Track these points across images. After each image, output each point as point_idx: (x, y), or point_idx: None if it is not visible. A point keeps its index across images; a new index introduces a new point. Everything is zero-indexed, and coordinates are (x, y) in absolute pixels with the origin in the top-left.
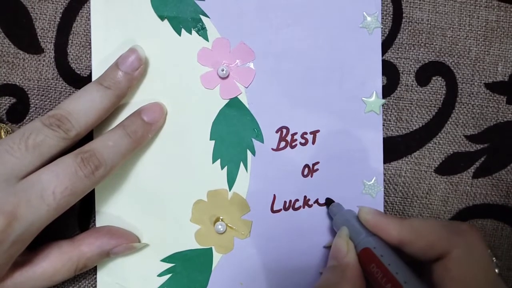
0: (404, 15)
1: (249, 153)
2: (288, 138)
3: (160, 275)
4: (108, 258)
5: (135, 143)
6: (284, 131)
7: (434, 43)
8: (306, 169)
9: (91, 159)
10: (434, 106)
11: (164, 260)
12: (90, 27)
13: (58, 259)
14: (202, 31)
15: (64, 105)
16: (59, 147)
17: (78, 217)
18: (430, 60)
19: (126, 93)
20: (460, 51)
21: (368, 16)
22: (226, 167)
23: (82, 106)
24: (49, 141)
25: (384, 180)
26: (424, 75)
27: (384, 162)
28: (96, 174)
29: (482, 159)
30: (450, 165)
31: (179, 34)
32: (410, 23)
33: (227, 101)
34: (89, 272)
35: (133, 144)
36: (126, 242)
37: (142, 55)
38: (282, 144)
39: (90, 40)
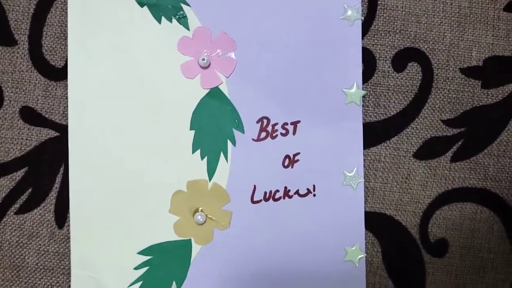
0: (379, 2)
1: (229, 143)
2: (269, 128)
3: (136, 268)
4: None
5: None
6: (265, 121)
7: (409, 30)
8: (287, 160)
9: None
10: (411, 92)
11: (141, 252)
12: (65, 18)
13: None
14: (183, 19)
15: None
16: None
17: (55, 208)
18: (405, 46)
19: None
20: (434, 37)
21: (348, 8)
22: (206, 157)
23: None
24: None
25: (364, 166)
26: (400, 61)
27: (364, 148)
28: None
29: (460, 143)
30: (428, 150)
31: (159, 21)
32: (385, 10)
33: (207, 91)
34: (63, 266)
35: None
36: None
37: None
38: (263, 134)
39: (65, 31)
